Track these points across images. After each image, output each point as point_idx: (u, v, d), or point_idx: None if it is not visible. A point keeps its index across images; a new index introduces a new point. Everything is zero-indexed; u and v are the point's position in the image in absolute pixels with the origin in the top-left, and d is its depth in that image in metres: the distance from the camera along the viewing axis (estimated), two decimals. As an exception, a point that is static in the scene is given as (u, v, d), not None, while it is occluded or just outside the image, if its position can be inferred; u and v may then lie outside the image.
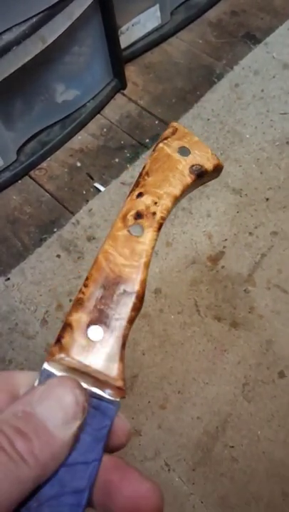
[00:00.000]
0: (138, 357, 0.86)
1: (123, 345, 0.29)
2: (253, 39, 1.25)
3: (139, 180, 0.33)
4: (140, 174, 0.34)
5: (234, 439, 0.80)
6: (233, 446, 0.79)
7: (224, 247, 0.96)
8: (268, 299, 0.90)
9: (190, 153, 0.34)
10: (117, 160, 1.09)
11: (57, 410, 0.24)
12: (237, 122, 1.11)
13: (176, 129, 0.35)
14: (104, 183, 1.06)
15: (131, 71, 1.22)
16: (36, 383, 0.26)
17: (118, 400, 0.28)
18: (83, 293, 0.29)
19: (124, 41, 1.17)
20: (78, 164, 1.10)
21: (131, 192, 0.33)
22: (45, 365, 0.27)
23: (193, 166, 0.34)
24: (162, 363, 0.86)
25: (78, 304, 0.29)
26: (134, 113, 1.16)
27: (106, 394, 0.27)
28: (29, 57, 0.91)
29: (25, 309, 0.92)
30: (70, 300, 0.92)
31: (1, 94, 0.95)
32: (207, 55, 1.23)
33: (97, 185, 1.06)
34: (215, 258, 0.95)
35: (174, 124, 0.36)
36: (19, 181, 1.08)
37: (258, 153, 1.06)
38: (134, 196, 0.33)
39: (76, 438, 0.24)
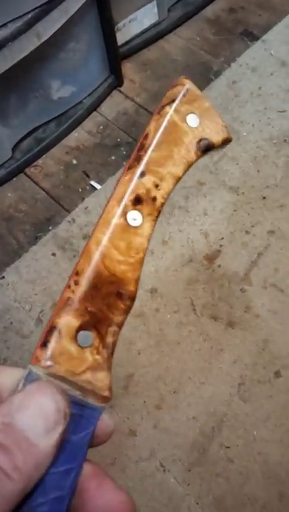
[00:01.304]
0: (133, 356, 0.86)
1: (112, 353, 0.27)
2: (251, 36, 1.24)
3: (141, 154, 0.29)
4: (141, 145, 0.29)
5: (230, 439, 0.79)
6: (228, 447, 0.79)
7: (221, 245, 0.95)
8: (265, 298, 0.90)
9: (199, 122, 0.29)
10: (113, 158, 1.09)
11: (37, 419, 0.23)
12: (234, 120, 1.10)
13: (187, 89, 0.30)
14: (101, 181, 1.05)
15: (128, 68, 1.21)
16: (20, 386, 0.25)
17: (103, 405, 0.26)
18: (73, 291, 0.26)
19: (121, 38, 1.17)
20: (74, 162, 1.09)
21: (130, 168, 0.28)
22: (31, 368, 0.25)
23: (201, 140, 0.29)
24: (158, 362, 0.85)
25: (67, 304, 0.26)
26: (131, 110, 1.15)
27: (91, 401, 0.26)
28: (24, 54, 0.90)
29: (20, 308, 0.92)
30: (66, 299, 0.92)
31: (-4, 90, 0.94)
32: (205, 52, 1.23)
33: (93, 183, 1.05)
34: (211, 257, 0.94)
35: (184, 81, 0.30)
36: (14, 179, 1.07)
37: (255, 151, 1.05)
38: (134, 176, 0.28)
39: (59, 445, 0.23)
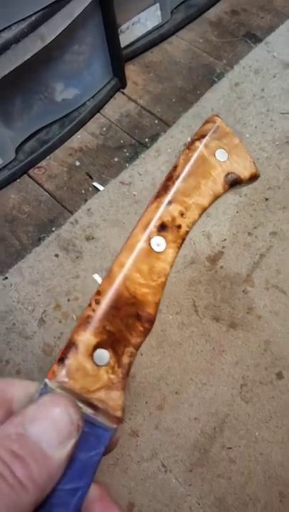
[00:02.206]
0: (135, 357, 0.86)
1: (127, 373, 0.27)
2: (254, 38, 1.24)
3: (168, 184, 0.30)
4: (170, 176, 0.30)
5: (232, 440, 0.79)
6: (230, 448, 0.79)
7: (223, 247, 0.95)
8: (267, 299, 0.90)
9: (228, 157, 0.31)
10: (116, 159, 1.09)
11: (51, 430, 0.23)
12: (237, 122, 1.10)
13: (217, 126, 0.31)
14: (104, 183, 1.06)
15: (131, 70, 1.21)
16: (34, 399, 0.25)
17: (115, 426, 0.26)
18: (93, 310, 0.27)
19: (124, 40, 1.17)
20: (77, 163, 1.09)
21: (157, 197, 0.30)
22: (46, 382, 0.26)
23: (228, 174, 0.30)
24: (160, 363, 0.86)
25: (87, 321, 0.27)
26: (134, 112, 1.16)
27: (103, 421, 0.26)
28: (28, 56, 0.91)
29: (22, 309, 0.92)
30: (68, 300, 0.92)
31: (0, 92, 0.94)
32: (207, 54, 1.23)
33: (96, 184, 1.06)
34: (214, 258, 0.94)
35: (215, 118, 0.32)
36: (18, 180, 1.08)
37: (258, 152, 1.05)
38: (160, 204, 0.29)
39: (70, 457, 0.24)
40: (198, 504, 0.75)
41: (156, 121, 1.14)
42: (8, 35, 0.87)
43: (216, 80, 1.18)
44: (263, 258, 0.94)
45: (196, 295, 0.91)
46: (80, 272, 0.95)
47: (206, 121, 0.32)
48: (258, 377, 0.84)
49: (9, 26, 0.87)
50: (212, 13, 1.30)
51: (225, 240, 0.96)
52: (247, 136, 1.08)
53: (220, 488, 0.76)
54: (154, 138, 1.11)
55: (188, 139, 1.10)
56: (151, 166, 1.07)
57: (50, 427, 0.23)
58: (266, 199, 1.00)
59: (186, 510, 0.75)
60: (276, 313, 0.89)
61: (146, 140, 1.11)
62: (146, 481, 0.77)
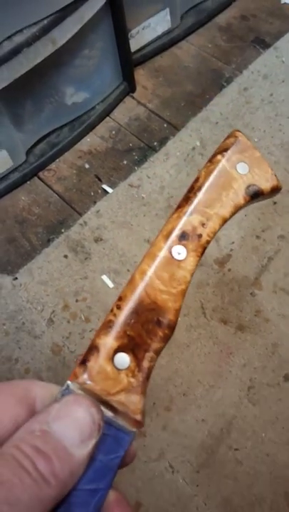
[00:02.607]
0: (143, 358, 0.86)
1: (147, 377, 0.28)
2: (263, 43, 1.25)
3: (190, 196, 0.31)
4: (192, 187, 0.31)
5: (238, 441, 0.80)
6: (237, 449, 0.79)
7: (231, 250, 0.96)
8: (275, 302, 0.91)
9: (249, 170, 0.31)
10: (125, 162, 1.10)
11: (73, 429, 0.24)
12: (245, 126, 1.11)
13: (238, 140, 0.32)
14: (112, 185, 1.07)
15: (140, 74, 1.23)
16: (57, 398, 0.26)
17: (134, 430, 0.27)
18: (114, 315, 0.28)
19: (134, 45, 1.18)
20: (87, 166, 1.10)
21: (179, 208, 0.30)
22: (69, 384, 0.27)
23: (249, 186, 0.31)
24: (167, 364, 0.86)
25: (108, 326, 0.28)
26: (143, 116, 1.17)
27: (123, 424, 0.27)
28: (39, 60, 0.92)
29: (32, 309, 0.93)
30: (77, 300, 0.93)
31: (11, 95, 0.96)
32: (216, 59, 1.24)
33: (105, 186, 1.07)
34: (222, 261, 0.95)
35: (237, 133, 0.33)
36: (28, 182, 1.09)
37: (267, 157, 1.06)
38: (182, 214, 0.30)
39: (91, 456, 0.24)
40: (205, 504, 0.76)
41: (165, 125, 1.15)
42: (19, 38, 0.88)
43: (225, 84, 1.19)
44: (271, 261, 0.94)
45: (203, 297, 0.92)
46: (89, 272, 0.96)
47: (228, 136, 0.33)
48: (265, 380, 0.84)
49: (21, 30, 0.88)
50: (221, 19, 1.31)
51: (233, 242, 0.97)
52: (255, 140, 1.09)
53: (226, 489, 0.76)
54: (162, 141, 1.12)
55: (197, 143, 1.11)
56: (159, 169, 1.07)
57: (73, 426, 0.24)
58: (274, 202, 1.00)
59: (193, 510, 0.75)
60: (284, 316, 0.89)
61: (155, 143, 1.12)
62: (153, 481, 0.78)
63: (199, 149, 1.08)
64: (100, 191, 1.07)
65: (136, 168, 1.09)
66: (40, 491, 0.21)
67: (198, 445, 0.80)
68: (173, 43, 1.26)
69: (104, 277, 0.95)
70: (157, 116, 1.16)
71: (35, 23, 0.89)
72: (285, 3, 1.31)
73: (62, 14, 0.91)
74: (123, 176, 1.08)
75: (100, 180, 1.08)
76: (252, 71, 1.20)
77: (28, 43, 0.89)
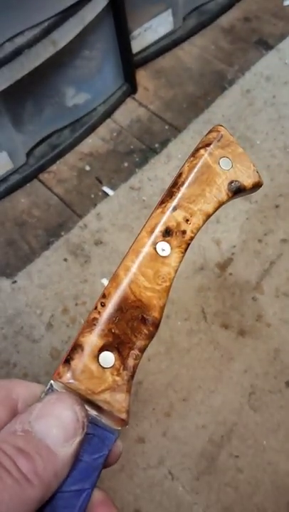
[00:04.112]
0: (143, 363, 0.86)
1: (132, 376, 0.27)
2: (266, 45, 1.24)
3: (174, 191, 0.30)
4: (175, 182, 0.31)
5: (239, 448, 0.79)
6: (238, 456, 0.78)
7: (233, 253, 0.95)
8: (276, 307, 0.89)
9: (232, 166, 0.31)
10: (126, 164, 1.09)
11: (57, 428, 0.23)
12: (248, 128, 1.10)
13: (221, 135, 0.32)
14: (113, 187, 1.06)
15: (142, 76, 1.22)
16: (40, 398, 0.26)
17: (119, 428, 0.27)
18: (99, 312, 0.28)
19: (136, 46, 1.17)
20: (87, 168, 1.10)
21: (162, 202, 0.30)
22: (52, 383, 0.26)
23: (232, 182, 0.31)
24: (168, 369, 0.85)
25: (92, 324, 0.27)
26: (145, 118, 1.16)
27: (108, 423, 0.26)
28: (40, 61, 0.92)
29: (31, 312, 0.92)
30: (76, 304, 0.92)
31: (12, 97, 0.95)
32: (219, 60, 1.23)
33: (105, 189, 1.06)
34: (223, 265, 0.94)
35: (220, 128, 0.33)
36: (28, 184, 1.08)
37: (269, 159, 1.05)
38: (166, 209, 0.30)
39: (77, 454, 0.24)
40: (205, 513, 0.74)
41: (167, 127, 1.14)
42: (20, 40, 0.87)
43: (227, 86, 1.18)
44: (273, 265, 0.93)
45: (204, 302, 0.90)
46: (89, 276, 0.95)
47: (210, 131, 0.32)
48: (266, 386, 0.83)
49: (22, 32, 0.87)
50: (224, 20, 1.30)
51: (235, 246, 0.96)
52: (258, 142, 1.08)
53: (227, 498, 0.75)
54: (164, 143, 1.11)
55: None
56: (161, 171, 1.06)
57: (56, 425, 0.23)
58: (277, 206, 0.99)
59: (193, 519, 0.74)
60: (286, 321, 0.88)
61: (157, 145, 1.11)
62: (152, 489, 0.77)
63: (201, 152, 1.07)
64: (100, 193, 1.06)
65: (137, 170, 1.08)
66: (21, 492, 0.21)
67: (198, 452, 0.79)
68: (175, 44, 1.25)
69: (105, 281, 0.94)
70: (159, 118, 1.15)
71: (36, 25, 0.88)
72: (287, 4, 1.30)
73: (64, 16, 0.90)
74: (124, 178, 1.07)
75: (100, 182, 1.07)
76: (254, 73, 1.19)
77: (29, 44, 0.88)
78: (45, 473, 0.22)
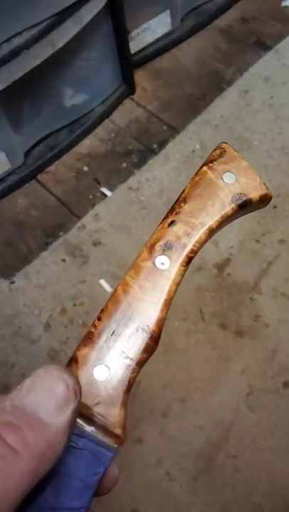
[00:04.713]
0: (141, 363, 0.86)
1: (128, 390, 0.27)
2: (264, 46, 1.24)
3: (175, 207, 0.30)
4: (177, 199, 0.31)
5: (237, 448, 0.79)
6: (235, 456, 0.78)
7: (231, 254, 0.95)
8: (274, 307, 0.90)
9: (236, 179, 0.31)
10: (124, 165, 1.09)
11: (47, 398, 0.23)
12: (246, 129, 1.10)
13: (225, 151, 0.32)
14: (111, 188, 1.06)
15: (140, 76, 1.22)
16: None
17: (115, 446, 0.26)
18: (95, 326, 0.28)
19: (134, 46, 1.17)
20: (85, 169, 1.10)
21: (164, 219, 0.30)
22: None
23: (236, 195, 0.31)
24: (165, 370, 0.85)
25: (88, 338, 0.28)
26: (143, 118, 1.16)
27: (103, 439, 0.26)
28: (38, 62, 0.91)
29: (29, 313, 0.92)
30: (74, 305, 0.92)
31: (10, 97, 0.95)
32: (217, 61, 1.23)
33: (103, 189, 1.06)
34: (221, 265, 0.94)
35: (223, 145, 0.32)
36: (26, 185, 1.08)
37: (267, 160, 1.05)
38: (166, 224, 0.30)
39: (73, 424, 0.23)
40: (203, 513, 0.75)
41: (165, 128, 1.14)
42: (19, 41, 0.87)
43: (225, 87, 1.18)
44: (271, 266, 0.93)
45: (202, 302, 0.91)
46: (87, 276, 0.95)
47: (214, 149, 0.32)
48: (264, 386, 0.83)
49: (20, 32, 0.87)
50: (222, 21, 1.30)
51: (232, 247, 0.96)
52: (255, 143, 1.08)
53: (224, 497, 0.76)
54: (162, 144, 1.11)
55: (197, 146, 1.10)
56: (159, 171, 1.07)
57: (46, 395, 0.23)
58: (274, 206, 0.99)
59: (190, 519, 0.75)
60: (284, 321, 0.88)
61: (155, 146, 1.11)
62: (150, 489, 0.77)
63: (199, 152, 1.07)
64: (98, 194, 1.06)
65: (135, 171, 1.08)
66: (7, 464, 0.20)
67: (195, 452, 0.79)
68: (173, 45, 1.25)
69: (103, 281, 0.94)
70: (157, 119, 1.15)
71: (34, 26, 0.88)
72: (285, 5, 1.30)
73: (62, 17, 0.90)
74: (122, 178, 1.07)
75: (98, 183, 1.07)
76: (252, 74, 1.19)
77: (27, 45, 0.88)
78: (37, 443, 0.21)
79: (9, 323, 0.91)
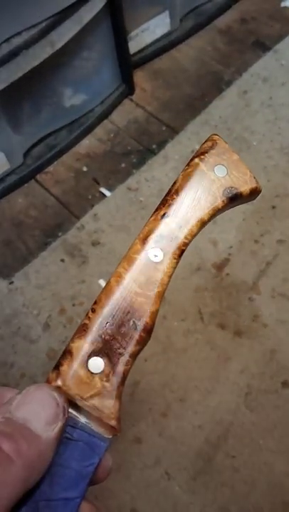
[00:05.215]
0: (140, 363, 0.86)
1: (122, 382, 0.27)
2: (263, 46, 1.24)
3: (167, 199, 0.31)
4: (169, 191, 0.31)
5: (236, 448, 0.79)
6: (234, 456, 0.78)
7: (229, 254, 0.95)
8: (273, 307, 0.90)
9: (227, 173, 0.31)
10: (123, 165, 1.09)
11: (37, 413, 0.23)
12: (245, 129, 1.10)
13: (216, 143, 0.32)
14: (110, 188, 1.06)
15: (139, 77, 1.22)
16: None
17: (109, 437, 0.26)
18: (89, 318, 0.28)
19: (134, 47, 1.18)
20: (84, 169, 1.10)
21: (156, 211, 0.31)
22: None
23: (227, 188, 0.31)
24: (164, 370, 0.85)
25: (82, 330, 0.28)
26: (142, 119, 1.16)
27: (97, 430, 0.26)
28: (38, 62, 0.92)
29: (28, 313, 0.92)
30: (73, 305, 0.92)
31: (9, 97, 0.95)
32: (216, 62, 1.23)
33: (102, 190, 1.06)
34: (220, 265, 0.94)
35: (215, 137, 0.32)
36: (25, 185, 1.08)
37: (266, 160, 1.05)
38: (159, 216, 0.30)
39: (59, 441, 0.24)
40: (201, 513, 0.75)
41: (164, 128, 1.14)
42: (18, 41, 0.87)
43: (224, 87, 1.18)
44: (270, 266, 0.94)
45: (201, 302, 0.91)
46: (86, 277, 0.95)
47: (206, 140, 0.33)
48: (263, 386, 0.83)
49: (19, 32, 0.87)
50: (221, 21, 1.30)
51: (231, 247, 0.96)
52: (254, 143, 1.08)
53: (223, 497, 0.76)
54: (161, 144, 1.11)
55: (196, 146, 1.10)
56: (158, 172, 1.07)
57: (36, 410, 0.23)
58: (273, 207, 0.99)
59: (189, 518, 0.75)
60: (282, 321, 0.88)
61: (154, 146, 1.11)
62: (149, 488, 0.77)
63: (198, 153, 1.07)
64: (97, 194, 1.06)
65: (134, 171, 1.08)
66: (3, 471, 0.21)
67: (194, 452, 0.79)
68: (172, 45, 1.25)
69: (102, 282, 0.94)
70: (156, 119, 1.16)
71: (33, 26, 0.88)
72: (285, 6, 1.31)
73: (61, 16, 0.90)
74: (121, 179, 1.07)
75: (97, 183, 1.07)
76: (252, 74, 1.19)
77: (27, 45, 0.88)
78: (29, 452, 0.22)
79: (8, 323, 0.91)
